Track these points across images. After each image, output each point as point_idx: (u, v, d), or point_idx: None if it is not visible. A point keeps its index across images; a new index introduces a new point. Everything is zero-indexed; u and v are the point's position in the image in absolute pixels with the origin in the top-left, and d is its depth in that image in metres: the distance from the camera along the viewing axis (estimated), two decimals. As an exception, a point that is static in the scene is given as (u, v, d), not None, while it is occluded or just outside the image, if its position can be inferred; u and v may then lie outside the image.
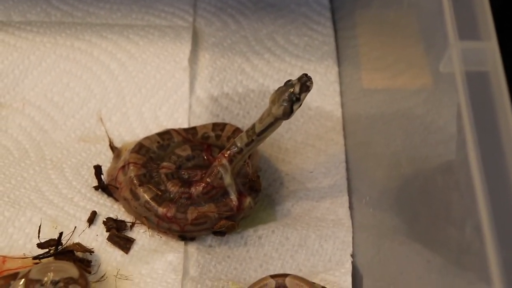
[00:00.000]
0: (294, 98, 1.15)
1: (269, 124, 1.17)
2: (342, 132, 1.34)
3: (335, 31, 1.47)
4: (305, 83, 1.15)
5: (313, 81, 1.16)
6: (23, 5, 1.46)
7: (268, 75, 1.40)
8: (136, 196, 1.20)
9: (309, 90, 1.15)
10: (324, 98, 1.38)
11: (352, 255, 1.19)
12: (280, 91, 1.16)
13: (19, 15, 1.45)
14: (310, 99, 1.35)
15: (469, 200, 0.77)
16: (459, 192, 0.82)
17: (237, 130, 1.27)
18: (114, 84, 1.36)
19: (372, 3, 1.28)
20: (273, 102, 1.16)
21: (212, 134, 1.27)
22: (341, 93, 1.38)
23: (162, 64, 1.37)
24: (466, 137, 0.79)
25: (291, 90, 1.15)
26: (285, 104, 1.15)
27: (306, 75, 1.15)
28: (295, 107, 1.15)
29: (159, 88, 1.36)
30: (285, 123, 1.19)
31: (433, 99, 0.94)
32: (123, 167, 1.23)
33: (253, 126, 1.18)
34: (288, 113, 1.15)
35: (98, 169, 1.25)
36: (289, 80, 1.16)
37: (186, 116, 1.34)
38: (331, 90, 1.39)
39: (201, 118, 1.34)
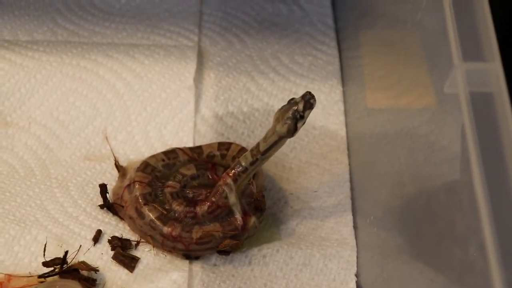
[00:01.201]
0: (298, 116, 1.15)
1: (274, 142, 1.18)
2: (347, 152, 1.34)
3: (340, 50, 1.47)
4: (308, 100, 1.15)
5: (318, 100, 1.16)
6: (29, 25, 1.47)
7: (272, 94, 1.40)
8: (141, 215, 1.20)
9: (312, 108, 1.16)
10: (328, 117, 1.38)
11: (357, 275, 1.19)
12: (284, 109, 1.16)
13: (25, 34, 1.45)
14: (314, 118, 1.35)
15: (472, 220, 0.77)
16: (462, 212, 0.82)
17: (242, 150, 1.27)
18: (119, 103, 1.36)
19: (376, 23, 1.29)
20: (277, 120, 1.17)
21: (217, 153, 1.28)
22: (346, 113, 1.38)
23: (167, 83, 1.38)
24: (470, 157, 0.79)
25: (295, 108, 1.15)
26: (289, 122, 1.15)
27: (309, 93, 1.16)
28: (299, 125, 1.16)
29: (164, 107, 1.36)
30: (289, 142, 1.20)
31: (437, 119, 0.95)
32: (129, 185, 1.23)
33: (258, 145, 1.19)
34: (292, 131, 1.16)
35: (103, 188, 1.25)
36: (293, 98, 1.17)
37: (191, 135, 1.34)
38: (335, 110, 1.39)
39: (206, 137, 1.34)
